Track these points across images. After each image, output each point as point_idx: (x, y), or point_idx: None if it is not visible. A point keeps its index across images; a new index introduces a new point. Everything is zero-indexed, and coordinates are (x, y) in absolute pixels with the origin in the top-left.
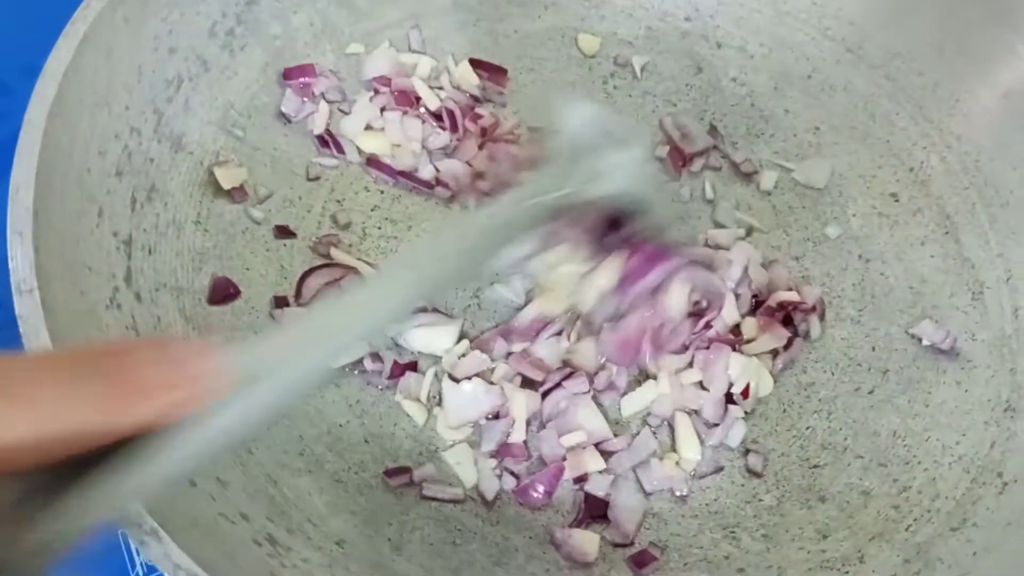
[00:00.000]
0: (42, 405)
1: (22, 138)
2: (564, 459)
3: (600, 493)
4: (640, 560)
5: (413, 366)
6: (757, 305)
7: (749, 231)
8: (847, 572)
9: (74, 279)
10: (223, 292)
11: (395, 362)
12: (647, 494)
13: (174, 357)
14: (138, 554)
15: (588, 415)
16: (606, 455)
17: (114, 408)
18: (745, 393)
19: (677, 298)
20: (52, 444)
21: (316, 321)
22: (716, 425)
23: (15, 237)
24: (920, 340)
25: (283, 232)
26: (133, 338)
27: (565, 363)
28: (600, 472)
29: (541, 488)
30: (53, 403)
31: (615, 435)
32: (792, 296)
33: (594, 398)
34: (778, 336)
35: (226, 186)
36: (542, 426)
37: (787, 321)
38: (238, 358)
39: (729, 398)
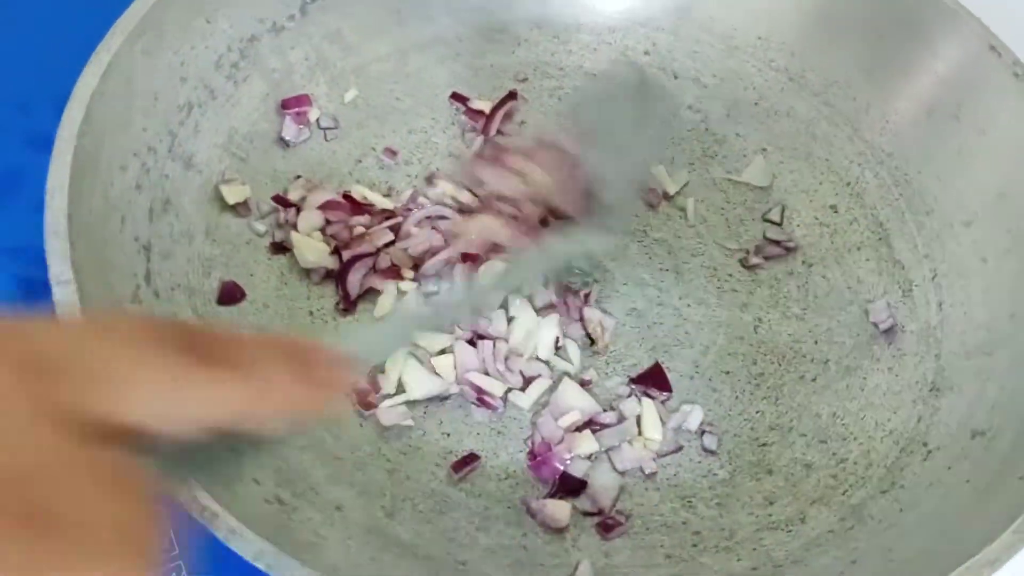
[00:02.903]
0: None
1: (56, 151)
2: (561, 440)
3: (579, 474)
4: (607, 526)
5: None
6: None
7: None
8: (790, 531)
9: (102, 276)
10: (231, 295)
11: None
12: (620, 473)
13: (304, 359)
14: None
15: (575, 395)
16: (599, 427)
17: (249, 402)
18: None
19: None
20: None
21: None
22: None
23: (52, 236)
24: (858, 333)
25: (278, 248)
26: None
27: None
28: (584, 457)
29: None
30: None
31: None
32: None
33: None
34: None
35: (231, 201)
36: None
37: None
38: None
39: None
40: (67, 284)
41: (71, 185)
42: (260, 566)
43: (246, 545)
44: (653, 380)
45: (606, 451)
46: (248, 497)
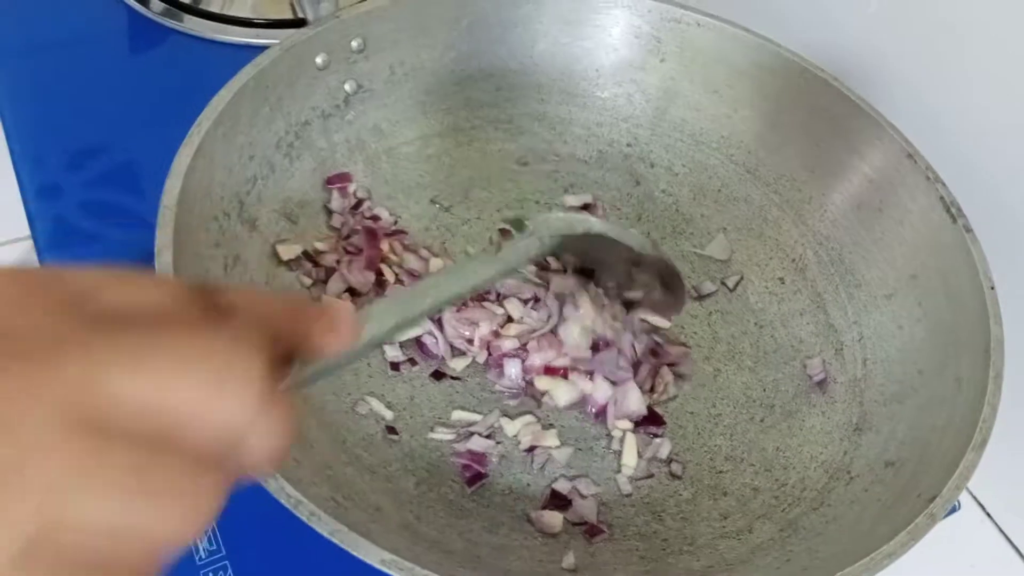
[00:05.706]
0: None
1: (161, 216)
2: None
3: (564, 491)
4: (592, 532)
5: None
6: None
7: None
8: (740, 539)
9: None
10: None
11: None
12: (595, 493)
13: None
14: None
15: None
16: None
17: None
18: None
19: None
20: None
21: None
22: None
23: None
24: (799, 383)
25: (318, 300)
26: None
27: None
28: (567, 478)
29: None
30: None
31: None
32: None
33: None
34: None
35: (284, 258)
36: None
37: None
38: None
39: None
40: None
41: (175, 243)
42: (335, 540)
43: (323, 525)
44: (651, 421)
45: (587, 474)
46: (312, 497)
